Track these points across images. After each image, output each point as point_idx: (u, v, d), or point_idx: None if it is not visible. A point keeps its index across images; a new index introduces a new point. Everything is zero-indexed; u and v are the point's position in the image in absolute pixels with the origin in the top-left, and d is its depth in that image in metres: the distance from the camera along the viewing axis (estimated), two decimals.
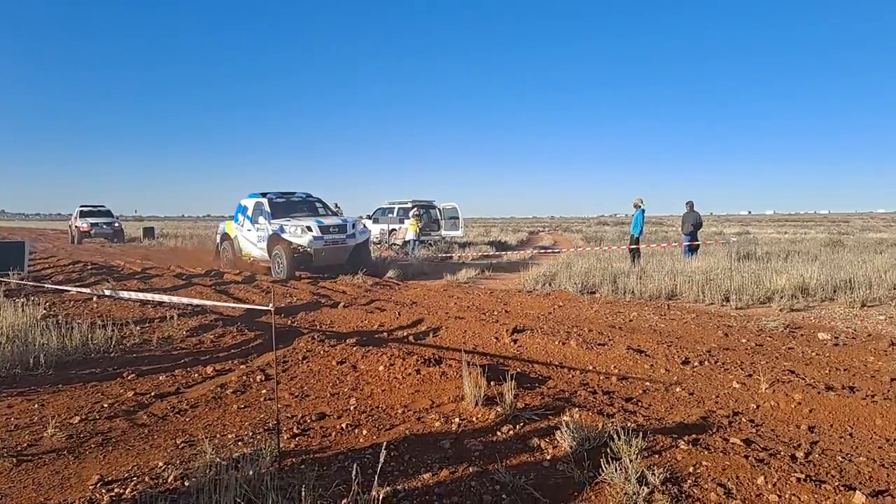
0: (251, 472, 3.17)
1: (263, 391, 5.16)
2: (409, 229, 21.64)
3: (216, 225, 22.24)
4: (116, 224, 31.48)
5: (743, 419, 4.49)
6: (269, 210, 15.14)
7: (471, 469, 3.57)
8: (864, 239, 25.87)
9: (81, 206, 31.58)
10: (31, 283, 10.99)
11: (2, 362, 5.73)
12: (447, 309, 9.41)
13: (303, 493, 2.62)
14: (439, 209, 23.85)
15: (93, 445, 4.00)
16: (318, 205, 16.36)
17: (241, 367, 6.03)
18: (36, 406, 4.81)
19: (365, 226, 16.70)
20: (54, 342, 6.18)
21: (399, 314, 8.78)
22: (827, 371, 5.71)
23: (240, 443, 3.82)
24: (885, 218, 77.30)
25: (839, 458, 3.70)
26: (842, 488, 3.24)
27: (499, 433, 4.09)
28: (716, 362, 6.06)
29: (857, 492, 3.17)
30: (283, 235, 14.25)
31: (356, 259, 14.98)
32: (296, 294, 11.23)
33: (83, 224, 30.15)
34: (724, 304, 9.99)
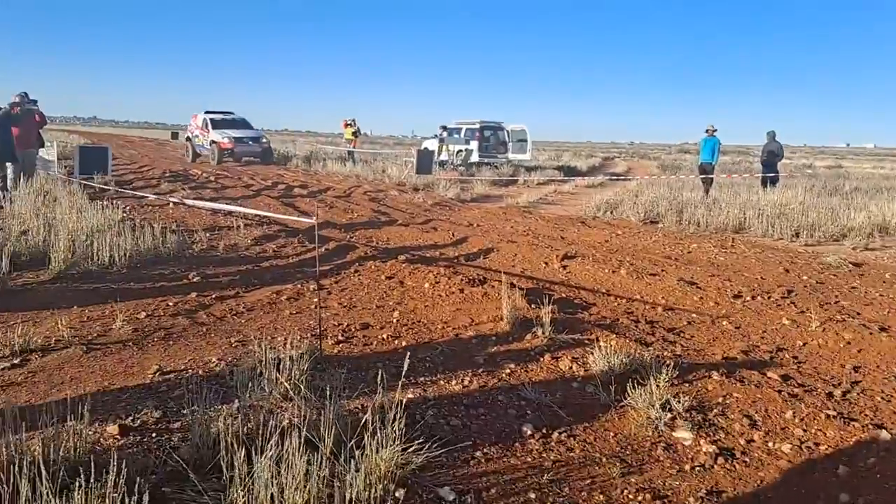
0: (292, 371, 3.41)
1: (315, 300, 5.40)
2: (473, 150, 21.49)
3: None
4: (264, 140, 23.72)
5: (786, 355, 4.43)
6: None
7: (499, 384, 3.71)
8: None
9: (209, 114, 23.22)
10: (113, 188, 11.64)
11: (81, 259, 6.19)
12: (502, 232, 9.45)
13: (327, 392, 2.81)
14: (507, 131, 23.40)
15: (155, 339, 4.35)
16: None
17: (298, 276, 6.31)
18: (108, 300, 5.22)
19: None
20: (129, 243, 6.58)
21: (453, 235, 8.89)
22: (886, 312, 5.50)
23: (287, 345, 4.05)
24: None
25: (878, 398, 3.63)
26: (870, 427, 3.21)
27: (532, 354, 4.20)
28: (769, 298, 5.92)
29: (884, 430, 3.14)
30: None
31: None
32: (357, 210, 11.49)
33: (223, 139, 21.94)
34: (794, 240, 9.62)
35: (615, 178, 23.08)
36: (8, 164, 10.01)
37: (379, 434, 2.58)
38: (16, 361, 3.79)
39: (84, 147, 16.00)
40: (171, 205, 10.57)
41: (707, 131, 15.26)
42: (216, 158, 22.04)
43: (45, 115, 12.22)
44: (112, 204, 9.28)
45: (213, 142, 22.22)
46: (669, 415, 3.29)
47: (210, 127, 22.66)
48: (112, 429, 2.93)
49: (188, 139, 24.98)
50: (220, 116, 23.41)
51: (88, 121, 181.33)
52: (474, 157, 21.84)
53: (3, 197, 9.55)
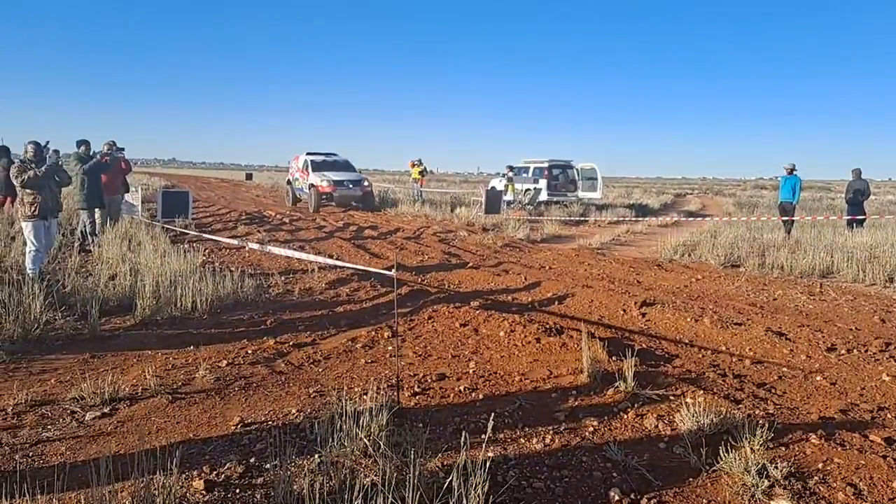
0: (371, 426, 3.38)
1: (390, 348, 5.40)
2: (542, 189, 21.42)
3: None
4: (366, 184, 21.44)
5: (888, 415, 4.11)
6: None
7: (583, 444, 3.58)
8: None
9: (311, 155, 21.51)
10: (193, 231, 12.10)
11: (165, 304, 6.41)
12: (575, 276, 9.28)
13: (410, 453, 2.76)
14: (577, 169, 23.16)
15: (236, 388, 4.41)
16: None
17: (371, 322, 6.34)
18: (191, 348, 5.36)
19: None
20: (209, 289, 6.79)
21: (525, 278, 8.79)
22: None
23: (364, 396, 4.04)
24: None
25: None
26: None
27: (615, 410, 4.04)
28: (865, 351, 5.55)
29: None
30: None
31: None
32: (427, 252, 11.55)
33: (322, 183, 19.96)
34: (888, 285, 9.05)
35: (689, 216, 22.51)
36: (96, 210, 10.56)
37: (464, 500, 2.51)
38: (105, 410, 3.91)
39: (167, 192, 16.70)
40: (247, 247, 10.87)
41: (786, 170, 14.73)
42: (314, 204, 20.07)
43: (130, 160, 12.94)
44: (192, 247, 9.65)
45: (312, 185, 20.18)
46: (767, 482, 3.07)
47: (310, 169, 20.71)
48: (198, 484, 2.95)
49: (288, 182, 23.38)
50: (322, 158, 21.42)
51: (168, 163, 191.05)
52: (543, 196, 21.71)
53: (92, 242, 10.06)
